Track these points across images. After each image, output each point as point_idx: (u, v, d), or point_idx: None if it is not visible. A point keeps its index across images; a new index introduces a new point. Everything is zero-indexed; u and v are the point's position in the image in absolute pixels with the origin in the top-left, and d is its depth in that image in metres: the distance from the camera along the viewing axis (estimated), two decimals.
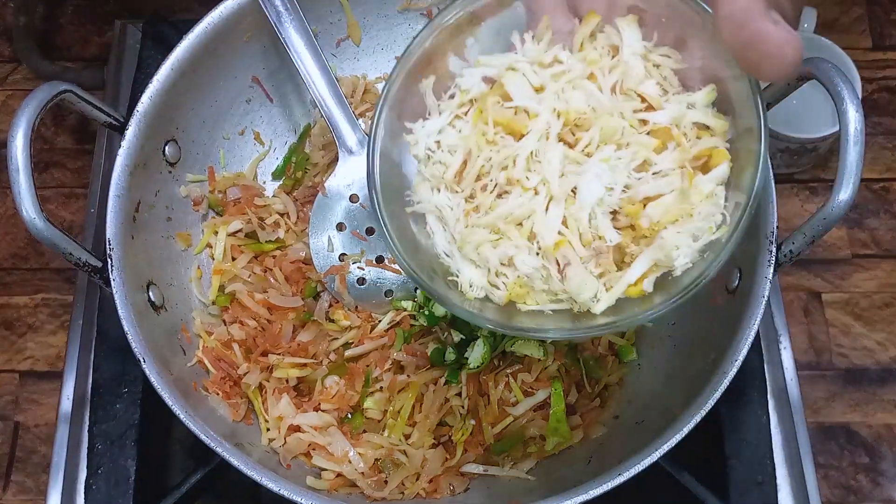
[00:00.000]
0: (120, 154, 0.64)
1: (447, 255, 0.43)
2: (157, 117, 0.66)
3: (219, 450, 0.57)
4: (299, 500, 0.56)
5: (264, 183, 0.78)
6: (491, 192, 0.41)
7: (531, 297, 0.41)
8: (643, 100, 0.41)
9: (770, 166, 0.59)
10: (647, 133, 0.40)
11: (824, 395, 0.80)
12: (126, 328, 0.60)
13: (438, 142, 0.43)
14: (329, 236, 0.73)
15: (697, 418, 0.56)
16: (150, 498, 0.67)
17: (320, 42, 0.69)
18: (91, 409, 0.70)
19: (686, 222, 0.40)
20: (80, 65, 0.96)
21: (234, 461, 0.57)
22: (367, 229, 0.73)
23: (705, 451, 0.67)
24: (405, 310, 0.71)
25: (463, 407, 0.68)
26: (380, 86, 0.79)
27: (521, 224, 0.40)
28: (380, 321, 0.72)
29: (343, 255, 0.73)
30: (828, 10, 0.94)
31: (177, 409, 0.58)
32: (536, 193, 0.40)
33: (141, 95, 0.65)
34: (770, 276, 0.58)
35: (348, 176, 0.72)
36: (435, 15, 0.44)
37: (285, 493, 0.56)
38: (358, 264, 0.73)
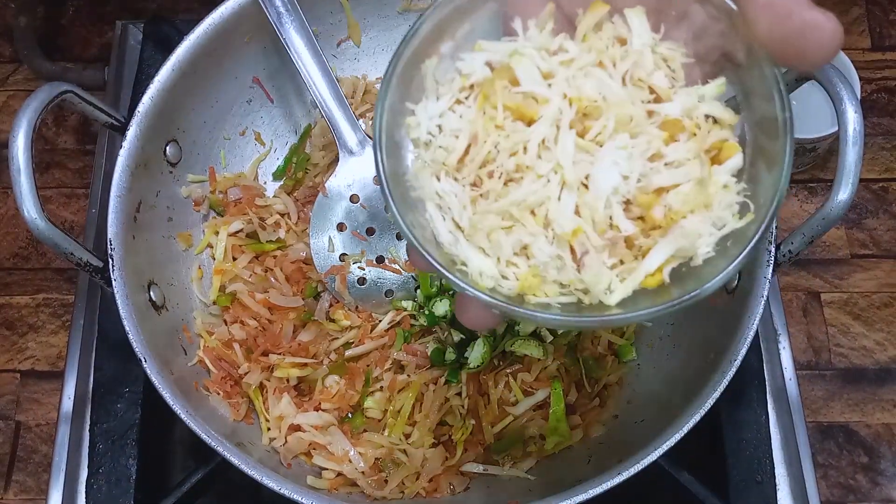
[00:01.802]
0: (121, 154, 0.64)
1: (451, 245, 0.41)
2: (157, 118, 0.66)
3: (219, 449, 0.57)
4: (300, 499, 0.56)
5: (265, 183, 0.78)
6: (499, 179, 0.40)
7: (542, 288, 0.40)
8: (652, 91, 0.41)
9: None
10: (657, 125, 0.40)
11: (823, 395, 0.80)
12: (127, 328, 0.60)
13: (440, 126, 0.42)
14: (329, 236, 0.73)
15: (697, 418, 0.56)
16: (150, 497, 0.67)
17: (321, 43, 0.70)
18: (92, 408, 0.70)
19: (706, 211, 0.39)
20: (81, 65, 0.96)
21: (235, 460, 0.57)
22: (367, 229, 0.73)
23: (704, 451, 0.67)
24: (405, 310, 0.72)
25: (463, 406, 0.68)
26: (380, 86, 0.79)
27: (534, 212, 0.39)
28: (380, 321, 0.72)
29: (343, 255, 0.73)
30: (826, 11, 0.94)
31: (178, 409, 0.58)
32: (548, 181, 0.39)
33: (142, 96, 0.65)
34: (769, 276, 0.59)
35: (349, 176, 0.72)
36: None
37: (286, 492, 0.56)
38: (358, 264, 0.73)
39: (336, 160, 0.72)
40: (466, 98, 0.42)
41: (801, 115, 0.83)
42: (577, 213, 0.39)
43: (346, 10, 0.75)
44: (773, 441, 0.70)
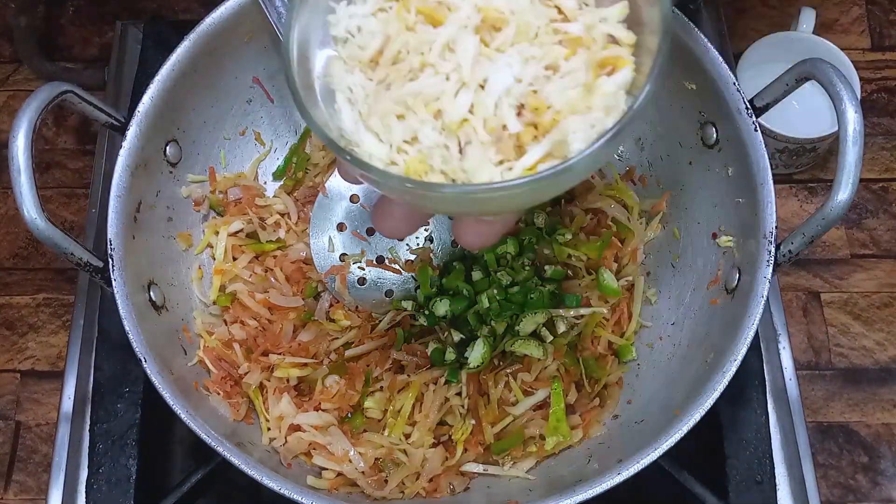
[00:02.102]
0: (121, 154, 0.64)
1: (352, 133, 0.44)
2: (157, 118, 0.66)
3: (219, 449, 0.57)
4: (300, 499, 0.56)
5: (265, 183, 0.78)
6: (405, 75, 0.42)
7: (429, 175, 0.42)
8: (560, 11, 0.43)
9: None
10: (560, 42, 0.43)
11: (823, 395, 0.80)
12: (127, 328, 0.60)
13: (359, 27, 0.44)
14: (330, 236, 0.73)
15: (697, 418, 0.56)
16: (151, 497, 0.67)
17: None
18: (92, 408, 0.70)
19: (586, 112, 0.41)
20: (81, 65, 0.96)
21: (235, 460, 0.57)
22: (367, 230, 0.73)
23: (704, 451, 0.67)
24: (405, 310, 0.72)
25: (463, 406, 0.68)
26: None
27: (429, 105, 0.42)
28: (380, 321, 0.72)
29: (343, 255, 0.73)
30: (827, 11, 0.94)
31: (178, 409, 0.58)
32: (448, 79, 0.42)
33: (142, 96, 0.65)
34: (769, 276, 0.59)
35: None
36: None
37: (286, 492, 0.56)
38: (358, 264, 0.73)
39: (336, 160, 0.72)
40: (390, 9, 0.44)
41: (801, 115, 0.83)
42: (471, 111, 0.41)
43: None
44: (773, 441, 0.70)
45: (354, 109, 0.44)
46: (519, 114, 0.41)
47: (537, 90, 0.41)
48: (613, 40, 0.43)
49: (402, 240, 0.74)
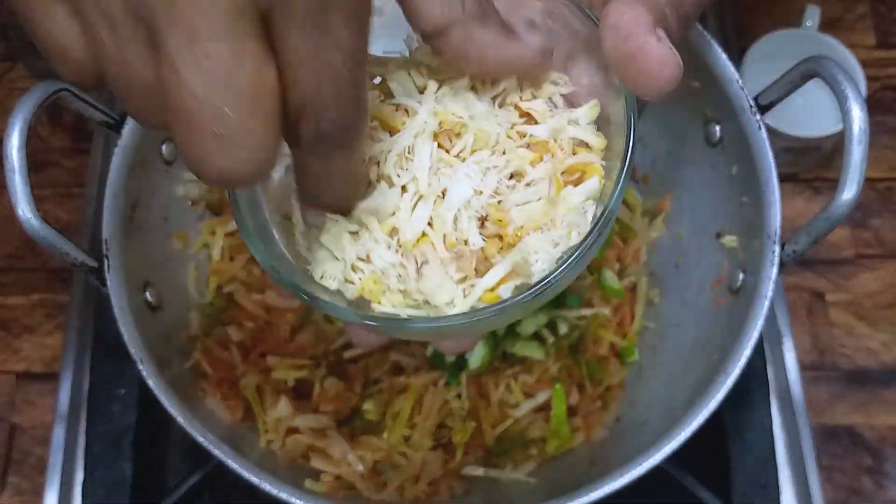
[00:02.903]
0: (116, 153, 0.63)
1: (305, 250, 0.41)
2: None
3: (216, 452, 0.57)
4: (297, 502, 0.56)
5: None
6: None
7: (387, 296, 0.40)
8: (523, 114, 0.41)
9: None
10: (527, 146, 0.40)
11: (828, 397, 0.80)
12: (123, 329, 0.59)
13: None
14: None
15: (700, 420, 0.56)
16: (147, 500, 0.67)
17: None
18: (87, 410, 0.70)
19: (549, 229, 0.39)
20: None
21: (232, 463, 0.56)
22: None
23: (707, 453, 0.66)
24: None
25: (463, 409, 0.68)
26: None
27: (384, 222, 0.39)
28: None
29: None
30: (831, 8, 0.93)
31: (174, 411, 0.57)
32: (405, 191, 0.39)
33: None
34: (773, 276, 0.58)
35: None
36: None
37: (283, 495, 0.56)
38: None
39: None
40: None
41: (806, 113, 0.82)
42: (430, 225, 0.39)
43: None
44: (777, 443, 0.69)
45: (308, 230, 0.41)
46: (482, 225, 0.39)
47: (501, 200, 0.39)
48: (583, 143, 0.41)
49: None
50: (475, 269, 0.39)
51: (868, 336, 0.81)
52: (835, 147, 0.85)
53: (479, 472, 0.66)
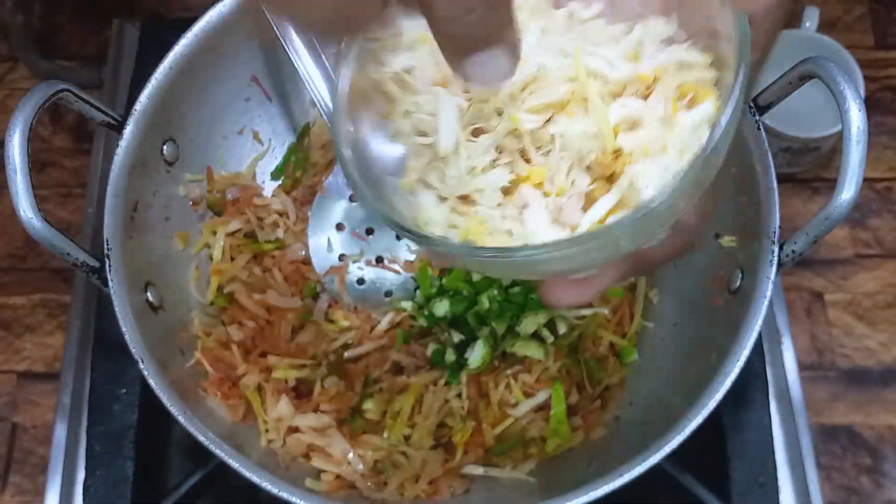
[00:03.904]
0: (118, 153, 0.63)
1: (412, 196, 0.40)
2: (155, 116, 0.65)
3: (217, 451, 0.57)
4: (298, 501, 0.56)
5: (263, 183, 0.77)
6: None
7: (492, 237, 0.38)
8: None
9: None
10: (635, 93, 0.38)
11: (826, 396, 0.80)
12: (124, 329, 0.59)
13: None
14: (328, 236, 0.72)
15: (699, 419, 0.56)
16: (148, 499, 0.67)
17: (320, 41, 0.69)
18: (89, 410, 0.70)
19: (659, 154, 0.37)
20: (78, 64, 0.95)
21: (233, 462, 0.57)
22: (366, 229, 0.73)
23: (706, 453, 0.67)
24: (405, 310, 0.71)
25: (463, 408, 0.68)
26: None
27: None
28: (379, 322, 0.71)
29: (342, 255, 0.72)
30: (830, 9, 0.93)
31: (175, 411, 0.58)
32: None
33: (139, 94, 0.64)
34: (772, 276, 0.58)
35: None
36: None
37: (284, 494, 0.56)
38: (357, 264, 0.72)
39: (335, 159, 0.72)
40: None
41: (804, 114, 0.82)
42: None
43: None
44: (775, 443, 0.69)
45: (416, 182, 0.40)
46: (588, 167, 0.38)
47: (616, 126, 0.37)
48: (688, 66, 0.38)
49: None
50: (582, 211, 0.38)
51: (867, 336, 0.82)
52: (833, 147, 0.85)
53: (479, 471, 0.66)
